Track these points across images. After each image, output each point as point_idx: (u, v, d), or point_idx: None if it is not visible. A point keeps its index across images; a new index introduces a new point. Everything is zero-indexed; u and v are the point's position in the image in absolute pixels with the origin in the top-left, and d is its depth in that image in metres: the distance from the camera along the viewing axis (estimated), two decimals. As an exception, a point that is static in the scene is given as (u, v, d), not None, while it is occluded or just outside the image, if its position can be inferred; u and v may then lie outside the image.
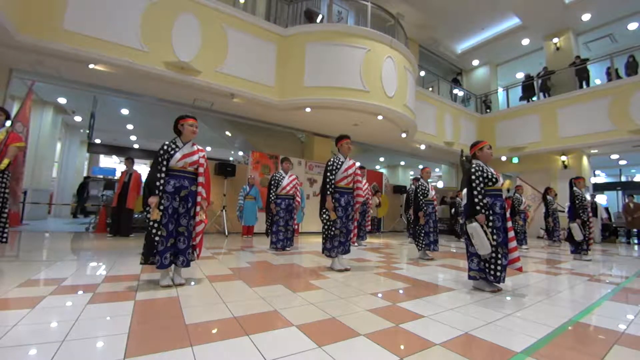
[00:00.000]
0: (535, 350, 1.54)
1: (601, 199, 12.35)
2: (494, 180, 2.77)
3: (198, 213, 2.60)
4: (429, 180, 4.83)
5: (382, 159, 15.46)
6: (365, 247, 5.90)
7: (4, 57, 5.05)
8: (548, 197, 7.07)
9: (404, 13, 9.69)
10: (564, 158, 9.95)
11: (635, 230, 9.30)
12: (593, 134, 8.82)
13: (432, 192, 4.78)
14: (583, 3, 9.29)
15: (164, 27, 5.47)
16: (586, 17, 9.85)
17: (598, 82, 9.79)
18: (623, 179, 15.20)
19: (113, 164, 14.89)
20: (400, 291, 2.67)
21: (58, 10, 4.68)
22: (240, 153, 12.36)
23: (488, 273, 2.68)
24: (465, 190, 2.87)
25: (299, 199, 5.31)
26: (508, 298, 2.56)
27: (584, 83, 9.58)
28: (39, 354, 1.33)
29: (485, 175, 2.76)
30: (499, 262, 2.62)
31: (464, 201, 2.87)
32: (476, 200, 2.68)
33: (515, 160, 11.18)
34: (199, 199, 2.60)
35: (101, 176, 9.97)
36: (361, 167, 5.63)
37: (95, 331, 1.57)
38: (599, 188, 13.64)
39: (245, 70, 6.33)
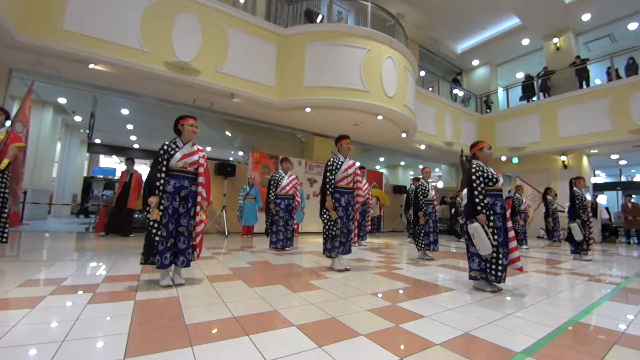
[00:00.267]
0: (535, 350, 1.54)
1: (601, 199, 12.35)
2: (494, 180, 2.77)
3: (198, 213, 2.59)
4: (429, 180, 4.83)
5: (382, 159, 15.46)
6: (365, 247, 5.90)
7: (4, 57, 5.05)
8: (548, 197, 7.07)
9: (404, 13, 9.69)
10: (564, 158, 9.95)
11: (634, 230, 9.30)
12: (593, 134, 8.82)
13: (432, 192, 4.78)
14: (583, 3, 9.29)
15: (164, 27, 5.47)
16: (586, 17, 9.85)
17: (598, 82, 9.79)
18: (623, 179, 15.20)
19: (113, 164, 14.89)
20: (400, 291, 2.67)
21: (58, 10, 4.68)
22: (240, 153, 12.36)
23: (489, 273, 2.68)
24: (465, 191, 2.87)
25: (299, 199, 5.30)
26: (508, 298, 2.56)
27: (584, 83, 9.58)
28: (39, 354, 1.32)
29: (485, 175, 2.76)
30: (500, 262, 2.63)
31: (465, 201, 2.87)
32: (477, 200, 2.68)
33: (515, 160, 11.18)
34: (199, 199, 2.59)
35: (101, 176, 9.98)
36: (361, 167, 5.63)
37: (95, 331, 1.57)
38: (599, 188, 13.63)
39: (245, 70, 6.33)
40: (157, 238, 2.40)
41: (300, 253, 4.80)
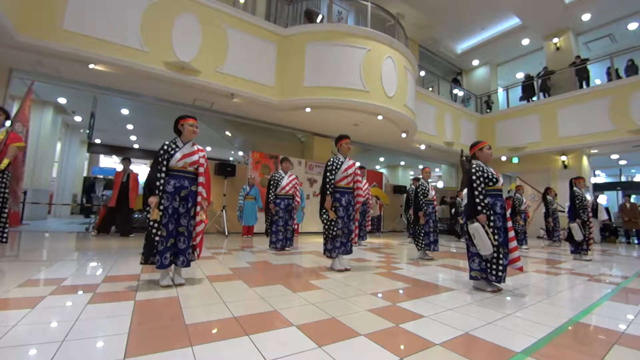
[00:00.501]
0: (535, 350, 1.54)
1: (602, 199, 12.35)
2: (494, 180, 2.77)
3: (198, 213, 2.59)
4: (429, 180, 4.83)
5: (382, 159, 15.47)
6: (366, 247, 5.90)
7: (4, 57, 5.05)
8: (548, 197, 7.07)
9: (404, 13, 9.69)
10: (563, 158, 9.95)
11: (634, 230, 9.30)
12: (593, 134, 8.82)
13: (432, 192, 4.78)
14: (583, 3, 9.29)
15: (164, 27, 5.47)
16: (586, 17, 9.85)
17: (598, 82, 9.79)
18: (623, 179, 15.20)
19: (113, 164, 14.88)
20: (400, 291, 2.67)
21: (58, 10, 4.68)
22: (240, 153, 12.36)
23: (489, 273, 2.68)
24: (465, 191, 2.87)
25: (299, 199, 5.30)
26: (508, 298, 2.56)
27: (584, 83, 9.58)
28: (39, 354, 1.32)
29: (485, 175, 2.76)
30: (500, 262, 2.63)
31: (465, 201, 2.87)
32: (477, 200, 2.68)
33: (515, 160, 11.18)
34: (199, 199, 2.59)
35: (101, 176, 9.97)
36: (361, 167, 5.63)
37: (95, 331, 1.57)
38: (599, 188, 13.62)
39: (245, 70, 6.33)
40: (157, 238, 2.40)
41: (300, 253, 4.80)
